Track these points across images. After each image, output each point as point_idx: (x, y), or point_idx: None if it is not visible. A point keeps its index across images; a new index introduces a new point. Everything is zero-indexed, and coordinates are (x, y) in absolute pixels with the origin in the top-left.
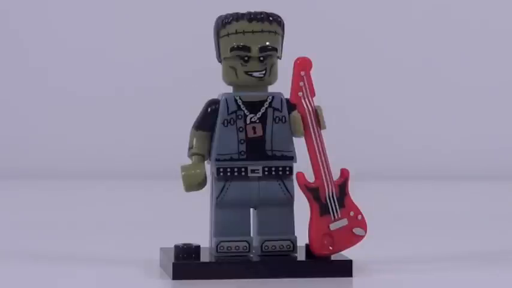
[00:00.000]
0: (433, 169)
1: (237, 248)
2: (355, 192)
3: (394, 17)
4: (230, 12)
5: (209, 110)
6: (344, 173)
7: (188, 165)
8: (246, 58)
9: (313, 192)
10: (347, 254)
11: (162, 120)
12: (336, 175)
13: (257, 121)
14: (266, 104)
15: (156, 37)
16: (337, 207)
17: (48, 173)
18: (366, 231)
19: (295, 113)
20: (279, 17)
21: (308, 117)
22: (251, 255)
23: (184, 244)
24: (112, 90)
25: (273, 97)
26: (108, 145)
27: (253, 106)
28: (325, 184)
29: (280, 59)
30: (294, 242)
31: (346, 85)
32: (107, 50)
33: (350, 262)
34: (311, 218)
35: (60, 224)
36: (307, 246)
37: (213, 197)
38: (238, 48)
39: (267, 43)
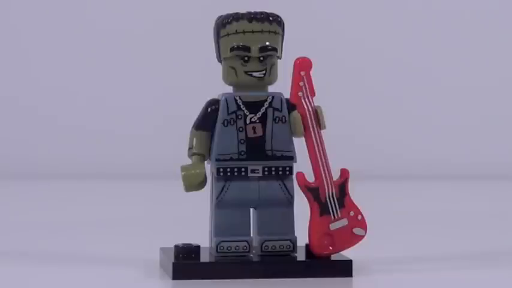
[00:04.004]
0: (433, 169)
1: (237, 248)
2: (355, 192)
3: (394, 18)
4: (230, 12)
5: (209, 110)
6: (344, 173)
7: (188, 165)
8: (246, 58)
9: (313, 192)
10: (347, 254)
11: (162, 120)
12: (336, 175)
13: (257, 121)
14: (266, 104)
15: (156, 36)
16: (337, 207)
17: (48, 173)
18: (365, 231)
19: (295, 113)
20: (279, 17)
21: (308, 117)
22: (251, 255)
23: (184, 244)
24: (112, 90)
25: (273, 97)
26: (109, 145)
27: (253, 106)
28: (325, 184)
29: (280, 59)
30: (294, 242)
31: (346, 85)
32: (108, 50)
33: (350, 262)
34: (311, 218)
35: (60, 224)
36: (307, 246)
37: (213, 197)
38: (238, 48)
39: (267, 43)
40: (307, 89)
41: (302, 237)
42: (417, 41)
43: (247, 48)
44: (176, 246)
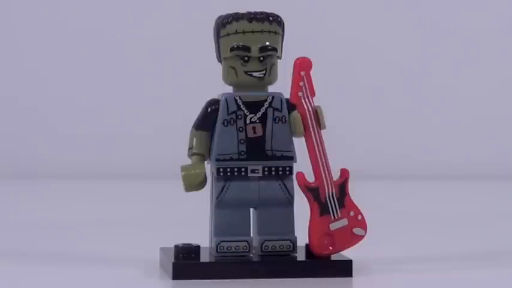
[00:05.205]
0: (433, 169)
1: (237, 248)
2: (355, 192)
3: (394, 18)
4: (230, 12)
5: (209, 110)
6: (344, 173)
7: (188, 165)
8: (246, 58)
9: (313, 192)
10: (347, 254)
11: (162, 120)
12: (336, 175)
13: (257, 121)
14: (266, 104)
15: (156, 36)
16: (337, 207)
17: (48, 173)
18: (365, 231)
19: (295, 113)
20: (279, 17)
21: (308, 117)
22: (251, 255)
23: (184, 244)
24: (112, 90)
25: (273, 97)
26: (108, 145)
27: (253, 106)
28: (325, 184)
29: (280, 59)
30: (294, 242)
31: (346, 85)
32: (108, 50)
33: (350, 262)
34: (311, 218)
35: (60, 224)
36: (307, 246)
37: (213, 197)
38: (238, 48)
39: (267, 43)
40: (307, 89)
41: (302, 237)
42: (418, 41)
43: (247, 48)
44: (176, 246)
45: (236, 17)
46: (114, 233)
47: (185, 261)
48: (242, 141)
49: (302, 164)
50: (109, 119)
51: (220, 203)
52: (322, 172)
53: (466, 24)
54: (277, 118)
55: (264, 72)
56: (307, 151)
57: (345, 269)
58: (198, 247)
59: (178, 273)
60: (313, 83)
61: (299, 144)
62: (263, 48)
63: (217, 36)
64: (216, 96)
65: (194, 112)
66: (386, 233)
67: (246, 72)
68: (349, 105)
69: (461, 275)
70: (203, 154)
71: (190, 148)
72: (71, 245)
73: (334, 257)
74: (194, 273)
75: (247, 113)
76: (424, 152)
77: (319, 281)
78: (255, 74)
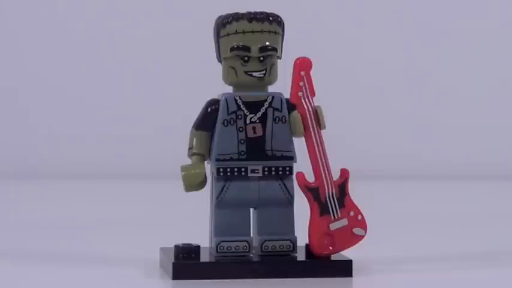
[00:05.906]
0: (433, 169)
1: (237, 248)
2: (355, 192)
3: (393, 18)
4: (230, 12)
5: (209, 110)
6: (344, 173)
7: (188, 165)
8: (246, 58)
9: (313, 192)
10: (347, 254)
11: (162, 120)
12: (336, 175)
13: (257, 121)
14: (266, 104)
15: (156, 36)
16: (337, 207)
17: (49, 173)
18: (365, 231)
19: (295, 113)
20: (279, 17)
21: (308, 117)
22: (251, 255)
23: (184, 244)
24: (112, 90)
25: (273, 97)
26: (108, 145)
27: (253, 106)
28: (325, 184)
29: (280, 59)
30: (294, 242)
31: (346, 85)
32: (109, 50)
33: (350, 262)
34: (311, 218)
35: (60, 224)
36: (307, 246)
37: (213, 197)
38: (238, 48)
39: (267, 43)
40: (307, 89)
41: (302, 237)
42: (417, 41)
43: (247, 48)
44: (176, 246)
45: (236, 17)
46: (114, 233)
47: (185, 261)
48: (242, 141)
49: (302, 164)
50: (109, 119)
51: (220, 203)
52: (322, 172)
53: (465, 25)
54: (277, 118)
55: (264, 72)
56: (307, 151)
57: (345, 269)
58: (198, 247)
59: (178, 273)
60: (313, 83)
61: (299, 144)
62: (263, 48)
63: (217, 36)
64: (216, 96)
65: (194, 112)
66: (386, 233)
67: (246, 72)
68: (349, 105)
69: (461, 275)
70: (203, 154)
71: (190, 148)
72: (71, 245)
73: (334, 257)
74: (194, 273)
75: (247, 113)
76: (424, 152)
77: (319, 281)
78: (255, 74)
